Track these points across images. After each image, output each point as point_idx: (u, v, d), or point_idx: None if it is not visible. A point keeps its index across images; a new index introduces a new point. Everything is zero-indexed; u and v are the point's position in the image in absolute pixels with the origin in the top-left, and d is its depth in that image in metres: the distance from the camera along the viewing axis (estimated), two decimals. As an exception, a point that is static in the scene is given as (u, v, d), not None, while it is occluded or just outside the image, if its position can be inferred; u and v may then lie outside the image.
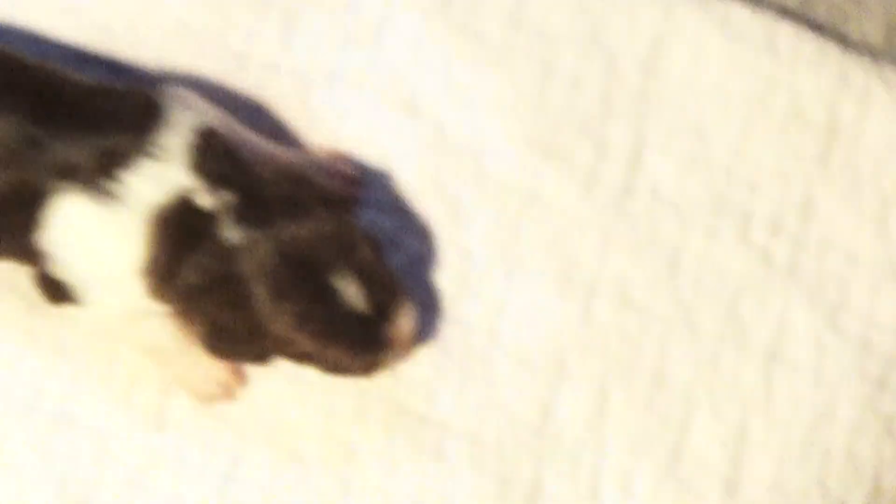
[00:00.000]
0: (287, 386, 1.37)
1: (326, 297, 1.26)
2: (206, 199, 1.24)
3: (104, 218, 1.25)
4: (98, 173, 1.25)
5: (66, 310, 1.30)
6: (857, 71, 1.43)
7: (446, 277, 1.41)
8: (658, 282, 1.42)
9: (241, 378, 1.37)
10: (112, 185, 1.24)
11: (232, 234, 1.24)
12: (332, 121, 1.44)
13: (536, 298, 1.41)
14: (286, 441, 1.37)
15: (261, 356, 1.30)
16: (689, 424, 1.39)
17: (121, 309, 1.30)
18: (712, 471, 1.38)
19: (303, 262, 1.26)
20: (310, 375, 1.34)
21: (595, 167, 1.43)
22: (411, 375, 1.37)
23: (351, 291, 1.26)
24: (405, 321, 1.30)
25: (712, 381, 1.39)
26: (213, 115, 1.32)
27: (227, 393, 1.37)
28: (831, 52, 1.44)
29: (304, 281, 1.26)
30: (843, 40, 1.45)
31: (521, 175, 1.42)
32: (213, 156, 1.27)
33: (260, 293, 1.25)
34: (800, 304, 1.40)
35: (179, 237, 1.24)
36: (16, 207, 1.26)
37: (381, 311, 1.28)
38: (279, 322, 1.25)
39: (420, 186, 1.42)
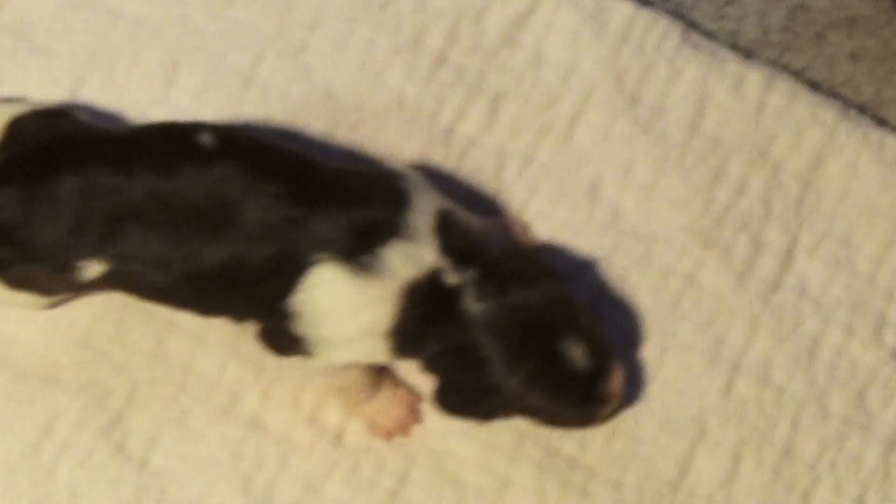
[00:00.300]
0: (453, 419, 1.46)
1: (556, 358, 1.37)
2: (452, 276, 1.36)
3: (358, 287, 1.35)
4: (355, 248, 1.34)
5: (288, 359, 1.41)
6: None
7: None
8: (796, 366, 1.52)
9: (418, 416, 1.50)
10: (368, 259, 1.34)
11: (472, 306, 1.35)
12: (521, 196, 1.56)
13: (685, 369, 1.52)
14: (448, 467, 1.48)
15: (487, 414, 1.42)
16: (812, 495, 1.49)
17: (345, 362, 1.41)
18: (830, 538, 1.44)
19: (534, 328, 1.37)
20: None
21: (750, 261, 1.55)
22: (566, 422, 1.45)
23: (576, 353, 1.37)
24: (618, 378, 1.41)
25: (836, 459, 1.49)
26: (439, 197, 1.43)
27: (405, 429, 1.49)
28: (973, 186, 1.51)
29: (536, 344, 1.37)
30: None
31: (683, 261, 1.55)
32: (454, 237, 1.37)
33: (496, 357, 1.36)
34: (923, 402, 1.46)
35: (427, 308, 1.35)
36: (275, 277, 1.36)
37: (599, 370, 1.39)
38: (513, 381, 1.37)
39: (592, 262, 1.53)
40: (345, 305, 1.36)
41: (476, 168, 1.58)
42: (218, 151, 1.39)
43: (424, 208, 1.37)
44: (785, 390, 1.53)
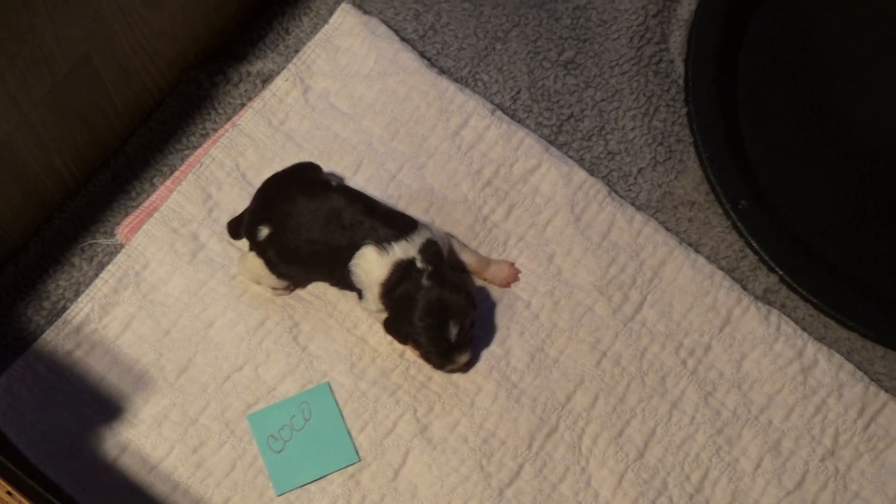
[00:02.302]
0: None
1: (444, 326, 1.45)
2: (420, 263, 1.46)
3: (378, 259, 1.46)
4: (384, 241, 1.45)
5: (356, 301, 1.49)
6: None
7: None
8: (633, 359, 1.60)
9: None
10: (387, 247, 1.46)
11: (424, 280, 1.45)
12: (514, 255, 1.65)
13: (577, 351, 1.60)
14: (452, 378, 1.56)
15: (403, 339, 1.49)
16: (630, 422, 1.55)
17: (373, 304, 1.50)
18: None
19: (442, 305, 1.44)
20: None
21: (621, 305, 1.62)
22: None
23: (453, 330, 1.46)
24: (464, 358, 1.49)
25: (646, 408, 1.56)
26: (442, 235, 1.50)
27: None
28: None
29: (438, 314, 1.44)
30: None
31: (587, 299, 1.63)
32: (429, 248, 1.46)
33: (418, 311, 1.45)
34: None
35: (403, 273, 1.45)
36: (346, 251, 1.45)
37: (457, 346, 1.47)
38: (416, 327, 1.45)
39: (542, 292, 1.64)
40: (370, 268, 1.46)
41: (495, 238, 1.67)
42: (338, 188, 1.50)
43: (423, 233, 1.48)
44: (626, 369, 1.62)
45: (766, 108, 1.73)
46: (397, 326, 1.46)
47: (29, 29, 1.37)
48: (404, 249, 1.44)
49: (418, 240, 1.45)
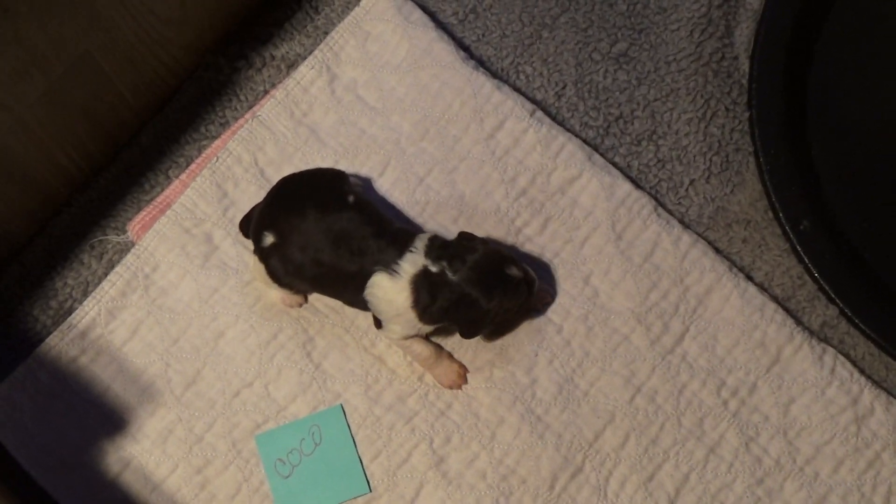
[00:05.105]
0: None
1: (506, 278, 1.39)
2: (434, 266, 1.39)
3: (394, 285, 1.40)
4: (391, 263, 1.40)
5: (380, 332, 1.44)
6: None
7: None
8: (670, 396, 1.54)
9: (465, 379, 1.53)
10: (396, 268, 1.40)
11: (452, 277, 1.39)
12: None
13: (611, 383, 1.52)
14: (472, 406, 1.51)
15: (484, 329, 1.43)
16: (661, 466, 1.50)
17: (401, 333, 1.44)
18: None
19: (487, 270, 1.38)
20: None
21: (660, 335, 1.55)
22: None
23: (514, 271, 1.40)
24: (533, 275, 1.45)
25: (680, 451, 1.51)
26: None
27: (458, 385, 1.52)
28: None
29: (493, 276, 1.38)
30: None
31: (624, 327, 1.56)
32: (434, 247, 1.41)
33: (477, 295, 1.38)
34: None
35: (427, 286, 1.39)
36: (357, 279, 1.40)
37: (526, 276, 1.43)
38: (492, 303, 1.39)
39: (576, 316, 1.59)
40: (386, 293, 1.40)
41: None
42: (353, 205, 1.43)
43: (423, 238, 1.42)
44: (661, 407, 1.56)
45: (839, 118, 1.62)
46: (476, 326, 1.42)
47: (13, 36, 1.30)
48: (413, 262, 1.39)
49: (420, 244, 1.40)
